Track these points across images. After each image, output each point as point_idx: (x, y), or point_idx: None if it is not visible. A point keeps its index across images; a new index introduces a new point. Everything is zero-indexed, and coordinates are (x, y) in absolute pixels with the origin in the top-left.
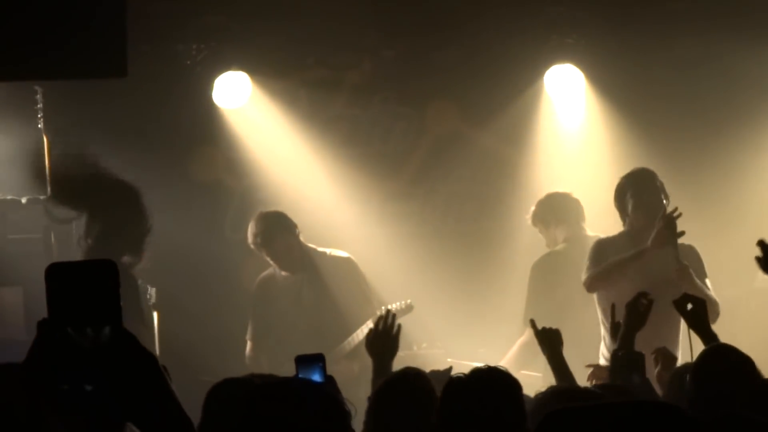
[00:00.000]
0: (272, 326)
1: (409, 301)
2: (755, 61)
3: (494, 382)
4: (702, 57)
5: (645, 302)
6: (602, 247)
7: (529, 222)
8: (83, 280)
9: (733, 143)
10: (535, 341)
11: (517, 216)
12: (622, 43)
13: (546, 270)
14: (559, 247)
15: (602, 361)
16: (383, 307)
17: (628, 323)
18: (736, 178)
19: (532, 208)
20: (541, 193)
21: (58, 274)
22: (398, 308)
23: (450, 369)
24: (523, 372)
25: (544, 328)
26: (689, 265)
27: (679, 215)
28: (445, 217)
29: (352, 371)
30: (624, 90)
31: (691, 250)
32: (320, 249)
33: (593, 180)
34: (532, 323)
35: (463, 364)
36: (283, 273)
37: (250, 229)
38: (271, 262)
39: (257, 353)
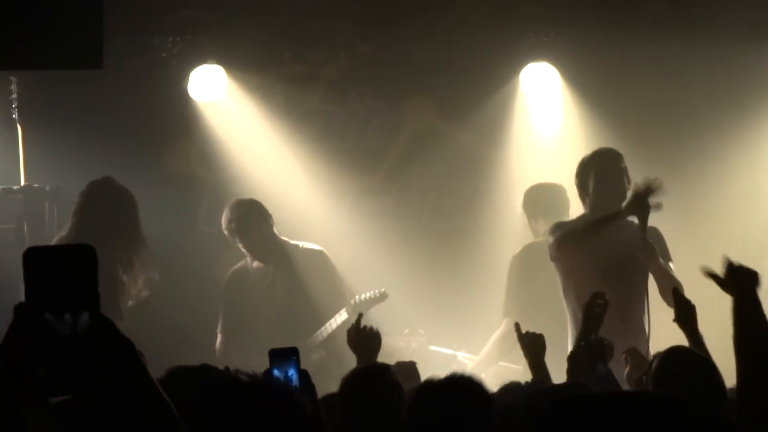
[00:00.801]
0: (243, 319)
1: (383, 289)
2: (731, 61)
3: (467, 392)
4: (678, 56)
5: (601, 303)
6: (561, 224)
7: (520, 211)
8: (61, 265)
9: (708, 142)
10: (512, 333)
11: (492, 212)
12: (598, 41)
13: (525, 262)
14: (539, 239)
15: None
16: (356, 297)
17: (585, 325)
18: (711, 177)
19: (522, 195)
20: (517, 189)
21: (35, 258)
22: (372, 296)
23: (414, 363)
24: (502, 364)
25: (527, 333)
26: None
27: (660, 185)
28: (420, 214)
29: (324, 362)
30: (599, 89)
31: (654, 231)
32: (293, 242)
33: (568, 178)
34: (517, 327)
35: (442, 353)
36: (255, 265)
37: (225, 215)
38: (244, 250)
39: (227, 346)
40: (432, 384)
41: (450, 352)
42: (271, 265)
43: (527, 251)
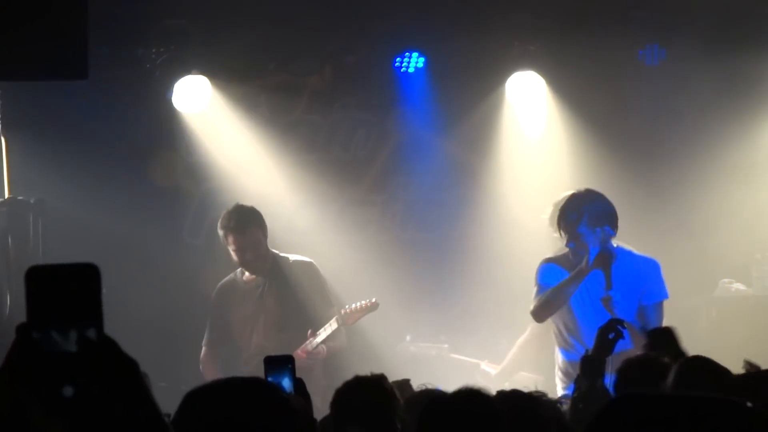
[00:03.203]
0: (230, 332)
1: (373, 299)
2: (714, 69)
3: (477, 406)
4: (663, 65)
5: (618, 330)
6: (545, 270)
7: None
8: (65, 283)
9: (692, 152)
10: (537, 339)
11: (479, 222)
12: (583, 50)
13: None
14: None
15: (559, 386)
16: (346, 307)
17: (598, 347)
18: (696, 186)
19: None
20: (503, 199)
21: (38, 276)
22: (362, 306)
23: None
24: (522, 374)
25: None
26: None
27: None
28: (406, 224)
29: (311, 372)
30: (585, 97)
31: (650, 266)
32: (282, 254)
33: (554, 187)
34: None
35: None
36: (245, 278)
37: (225, 216)
38: (234, 254)
39: (211, 359)
40: (440, 400)
41: (474, 360)
42: (260, 277)
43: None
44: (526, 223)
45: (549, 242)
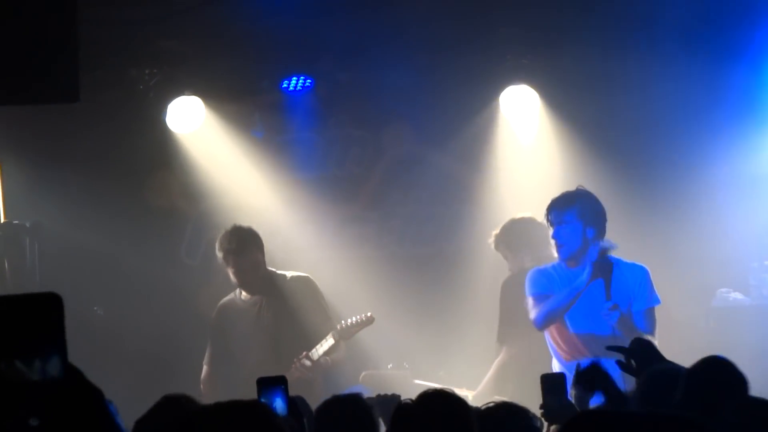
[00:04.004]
0: (230, 351)
1: (369, 313)
2: (708, 82)
3: (442, 406)
4: (658, 77)
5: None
6: (534, 278)
7: (492, 247)
8: (27, 313)
9: (687, 162)
10: (512, 361)
11: (476, 237)
12: (577, 63)
13: (517, 287)
14: (528, 264)
15: None
16: (342, 322)
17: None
18: (691, 196)
19: (495, 232)
20: (499, 214)
21: (1, 307)
22: (358, 321)
23: (397, 396)
24: (496, 398)
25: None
26: None
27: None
28: (402, 240)
29: (310, 386)
30: (579, 110)
31: (639, 272)
32: (279, 271)
33: (550, 199)
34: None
35: (426, 386)
36: (243, 297)
37: (224, 238)
38: (234, 276)
39: (212, 378)
40: (405, 406)
41: (436, 386)
42: (258, 295)
43: (518, 277)
44: (495, 252)
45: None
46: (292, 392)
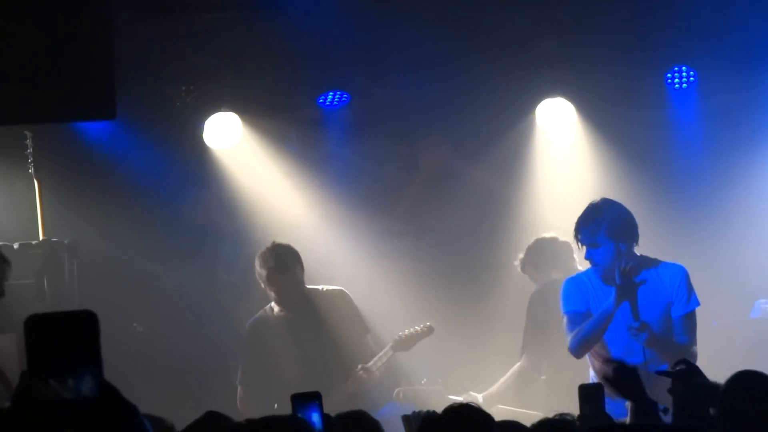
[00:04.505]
0: (266, 368)
1: (428, 323)
2: (745, 92)
3: (467, 420)
4: (696, 87)
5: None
6: (568, 293)
7: (518, 269)
8: (62, 331)
9: (725, 172)
10: (531, 368)
11: (512, 251)
12: (612, 76)
13: (544, 300)
14: (557, 276)
15: None
16: (400, 333)
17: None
18: (728, 207)
19: (520, 255)
20: (535, 227)
21: (36, 325)
22: (418, 331)
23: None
24: (500, 407)
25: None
26: None
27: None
28: (438, 254)
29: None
30: (615, 123)
31: (676, 271)
32: (312, 287)
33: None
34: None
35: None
36: (275, 313)
37: (266, 255)
38: (276, 294)
39: (248, 398)
40: (431, 419)
41: (458, 398)
42: (292, 311)
43: (544, 289)
44: (521, 273)
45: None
46: (344, 407)
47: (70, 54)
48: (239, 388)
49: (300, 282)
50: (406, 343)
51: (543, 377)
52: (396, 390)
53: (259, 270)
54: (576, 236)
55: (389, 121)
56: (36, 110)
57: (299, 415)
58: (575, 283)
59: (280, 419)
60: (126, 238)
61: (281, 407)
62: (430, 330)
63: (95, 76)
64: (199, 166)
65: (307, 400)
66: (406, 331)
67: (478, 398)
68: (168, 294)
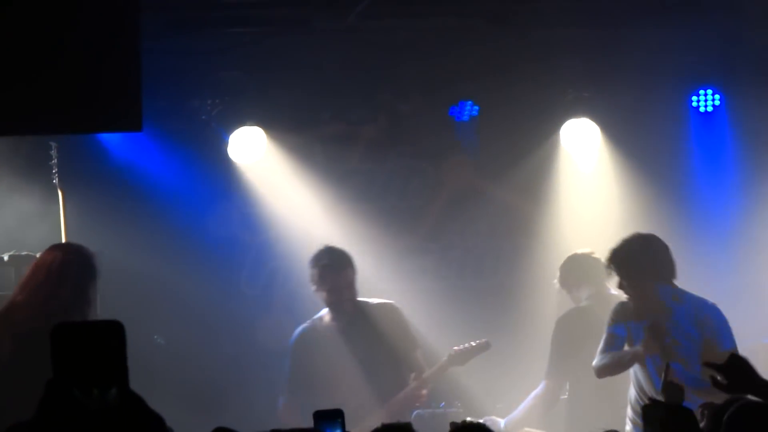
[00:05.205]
0: (313, 378)
1: (485, 339)
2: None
3: None
4: (718, 110)
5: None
6: (617, 316)
7: (557, 287)
8: (89, 341)
9: (753, 197)
10: (551, 395)
11: (535, 271)
12: (638, 97)
13: (571, 325)
14: (584, 303)
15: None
16: (455, 347)
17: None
18: (755, 231)
19: (558, 273)
20: (559, 247)
21: (63, 334)
22: (475, 346)
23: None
24: (526, 429)
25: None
26: None
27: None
28: (462, 272)
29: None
30: (639, 144)
31: (711, 313)
32: (363, 299)
33: (609, 235)
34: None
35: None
36: (325, 322)
37: (318, 255)
38: (329, 294)
39: (294, 407)
40: None
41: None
42: (342, 323)
43: (573, 314)
44: (559, 290)
45: (563, 304)
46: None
47: (97, 65)
48: (282, 398)
49: (353, 284)
50: (461, 358)
51: (564, 397)
52: (414, 413)
53: (312, 270)
54: (609, 266)
55: (414, 138)
56: (62, 121)
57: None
58: (624, 307)
59: None
60: (149, 250)
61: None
62: (486, 345)
63: (122, 88)
64: (223, 180)
65: (330, 417)
66: (462, 345)
67: (499, 423)
68: (190, 307)
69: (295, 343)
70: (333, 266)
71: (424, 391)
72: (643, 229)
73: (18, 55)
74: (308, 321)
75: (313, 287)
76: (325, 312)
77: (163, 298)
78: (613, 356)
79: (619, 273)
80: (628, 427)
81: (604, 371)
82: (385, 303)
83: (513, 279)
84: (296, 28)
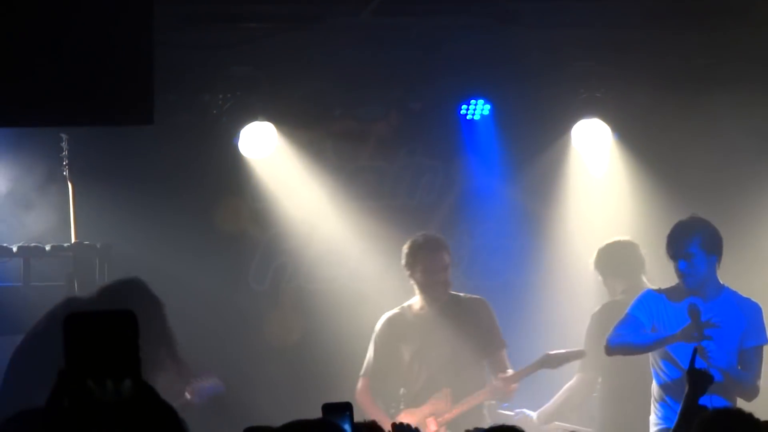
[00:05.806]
0: (396, 365)
1: (581, 348)
2: None
3: None
4: (731, 112)
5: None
6: (642, 300)
7: (592, 268)
8: (102, 331)
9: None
10: (585, 388)
11: (544, 270)
12: (649, 98)
13: (605, 320)
14: (618, 297)
15: (652, 413)
16: (550, 351)
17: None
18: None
19: (595, 254)
20: (568, 247)
21: (76, 324)
22: (570, 354)
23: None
24: (556, 423)
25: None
26: None
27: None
28: (470, 272)
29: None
30: (651, 145)
31: (751, 308)
32: (454, 292)
33: (619, 235)
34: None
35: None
36: (414, 311)
37: (414, 238)
38: (422, 274)
39: (368, 391)
40: None
41: (510, 413)
42: (432, 312)
43: (606, 309)
44: (593, 271)
45: (597, 291)
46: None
47: (109, 58)
48: (361, 380)
49: (447, 268)
50: (555, 361)
51: (595, 395)
52: (503, 405)
53: (406, 251)
54: (668, 249)
55: (425, 136)
56: (73, 113)
57: None
58: (653, 296)
59: (313, 423)
60: (158, 243)
61: (407, 403)
62: (581, 354)
63: (133, 82)
64: (233, 175)
65: (338, 410)
66: (559, 350)
67: (531, 416)
68: (197, 301)
69: (382, 326)
70: (428, 246)
71: (515, 385)
72: (659, 231)
73: (29, 47)
74: (397, 307)
75: (407, 271)
76: (414, 300)
77: (170, 291)
78: (635, 336)
79: None
80: (652, 414)
81: (618, 350)
82: (476, 298)
83: (521, 279)
84: (309, 24)
